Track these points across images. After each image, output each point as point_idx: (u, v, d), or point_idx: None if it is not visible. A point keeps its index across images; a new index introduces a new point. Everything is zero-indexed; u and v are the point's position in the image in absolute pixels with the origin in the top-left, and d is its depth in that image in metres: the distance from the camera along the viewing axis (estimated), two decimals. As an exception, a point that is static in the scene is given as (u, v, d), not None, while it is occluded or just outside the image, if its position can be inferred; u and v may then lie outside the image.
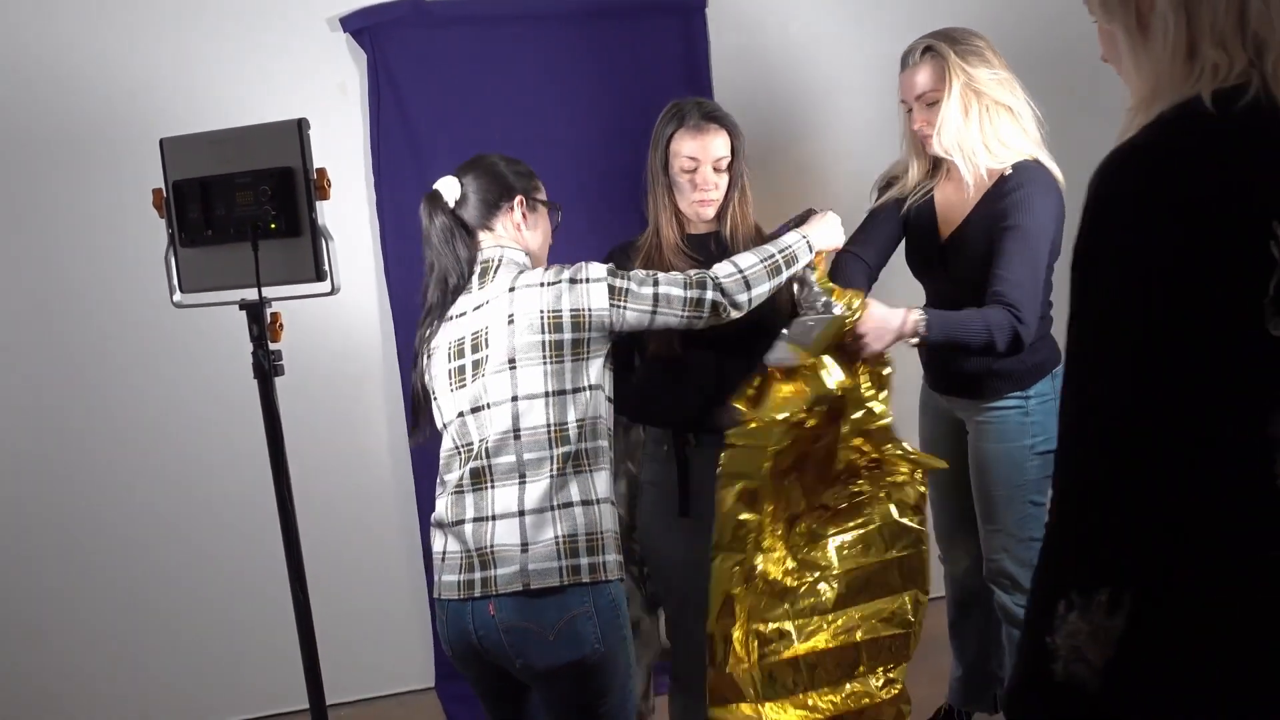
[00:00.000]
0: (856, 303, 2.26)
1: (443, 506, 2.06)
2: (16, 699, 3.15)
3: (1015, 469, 2.51)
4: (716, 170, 2.35)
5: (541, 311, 1.99)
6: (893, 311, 2.30)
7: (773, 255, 2.17)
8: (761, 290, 2.13)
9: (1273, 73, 1.22)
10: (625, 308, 2.02)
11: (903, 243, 2.66)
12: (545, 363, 1.98)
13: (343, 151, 3.16)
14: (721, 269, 2.11)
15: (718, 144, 2.35)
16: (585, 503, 1.99)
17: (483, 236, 2.14)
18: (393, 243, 3.21)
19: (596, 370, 2.02)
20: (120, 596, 3.20)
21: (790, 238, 2.23)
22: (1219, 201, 1.18)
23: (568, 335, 1.99)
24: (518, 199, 2.14)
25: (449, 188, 2.13)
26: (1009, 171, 2.40)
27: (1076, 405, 1.27)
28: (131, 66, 3.04)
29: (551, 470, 1.97)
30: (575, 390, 2.00)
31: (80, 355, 3.12)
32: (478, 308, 2.05)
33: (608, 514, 2.02)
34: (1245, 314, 1.20)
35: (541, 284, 2.02)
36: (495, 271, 2.08)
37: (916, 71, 2.44)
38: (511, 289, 2.03)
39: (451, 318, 2.09)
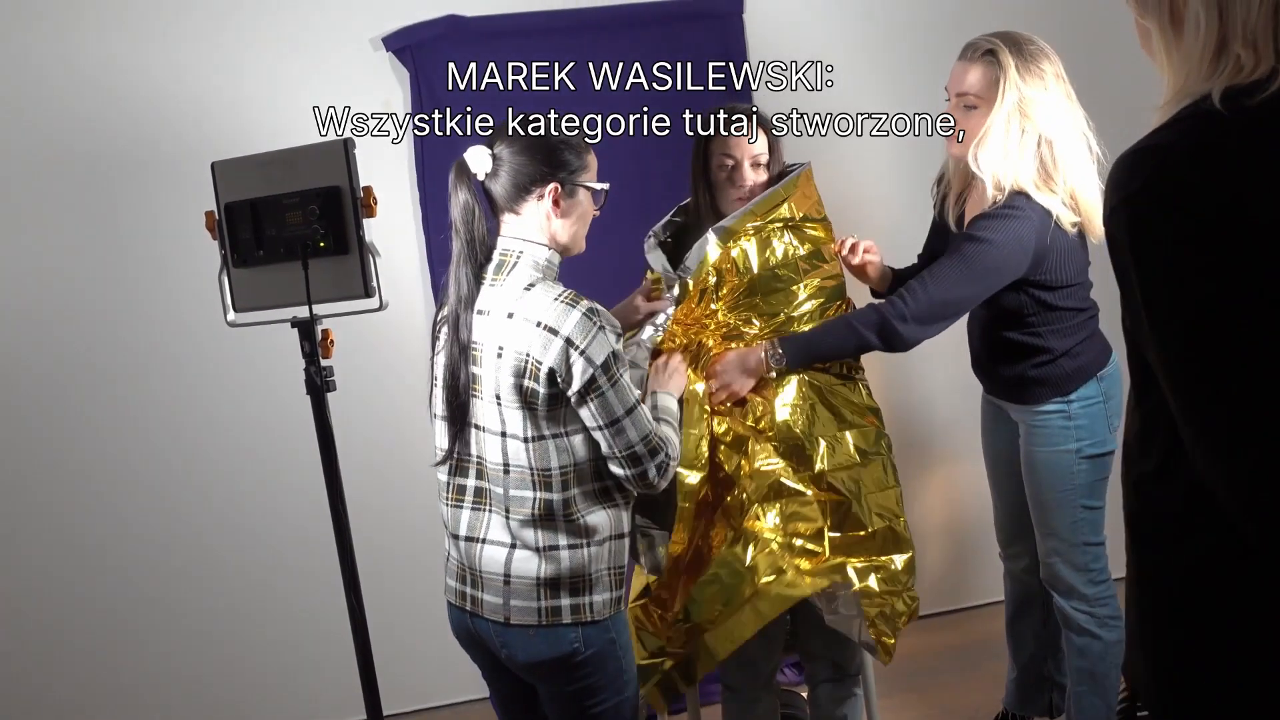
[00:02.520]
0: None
1: (444, 511, 2.05)
2: (75, 711, 3.22)
3: (1063, 474, 2.49)
4: (754, 168, 2.38)
5: (526, 355, 1.84)
6: (746, 352, 2.33)
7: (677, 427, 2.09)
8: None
9: None
10: (588, 403, 1.86)
11: None
12: (523, 408, 1.87)
13: (389, 169, 3.21)
14: (674, 448, 1.97)
15: (756, 143, 2.37)
16: (573, 546, 1.92)
17: (506, 219, 1.94)
18: (439, 258, 3.25)
19: (583, 413, 1.89)
20: (178, 609, 3.25)
21: (669, 405, 2.13)
22: (1228, 195, 1.17)
23: (543, 390, 1.85)
24: (551, 186, 1.91)
25: (478, 160, 1.90)
26: (1000, 196, 2.34)
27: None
28: (184, 91, 3.10)
29: (534, 511, 1.91)
30: (555, 436, 1.89)
31: (139, 376, 3.18)
32: (480, 312, 1.92)
33: (604, 554, 1.95)
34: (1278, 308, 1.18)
35: (539, 324, 1.84)
36: (510, 270, 1.92)
37: (969, 69, 2.35)
38: (511, 314, 1.87)
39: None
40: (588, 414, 1.88)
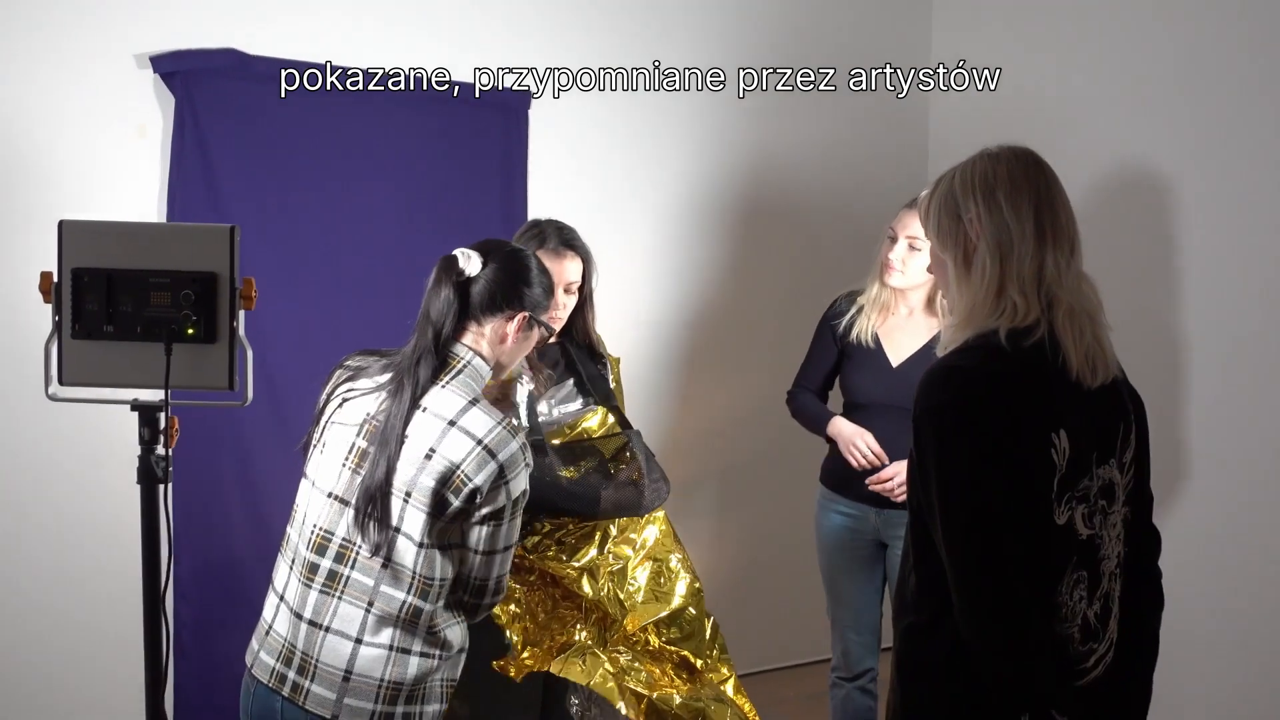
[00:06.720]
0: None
1: (283, 579, 1.97)
2: None
3: None
4: (567, 292, 2.54)
5: (456, 468, 1.86)
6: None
7: None
8: None
9: (1061, 324, 1.58)
10: (485, 525, 1.91)
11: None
12: (430, 513, 1.87)
13: (133, 198, 2.93)
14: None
15: (571, 269, 2.53)
16: (424, 655, 1.93)
17: (469, 326, 1.98)
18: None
19: (471, 533, 1.93)
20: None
21: None
22: (1012, 416, 1.52)
23: (459, 504, 1.87)
24: (522, 315, 2.00)
25: (470, 262, 1.96)
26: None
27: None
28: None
29: (403, 614, 1.89)
30: (445, 547, 1.91)
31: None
32: (412, 408, 1.91)
33: (445, 667, 1.97)
34: (1039, 506, 1.53)
35: (479, 441, 1.87)
36: (452, 377, 1.94)
37: (917, 217, 2.48)
38: (452, 422, 1.88)
39: (390, 390, 1.94)
40: (475, 535, 1.92)
